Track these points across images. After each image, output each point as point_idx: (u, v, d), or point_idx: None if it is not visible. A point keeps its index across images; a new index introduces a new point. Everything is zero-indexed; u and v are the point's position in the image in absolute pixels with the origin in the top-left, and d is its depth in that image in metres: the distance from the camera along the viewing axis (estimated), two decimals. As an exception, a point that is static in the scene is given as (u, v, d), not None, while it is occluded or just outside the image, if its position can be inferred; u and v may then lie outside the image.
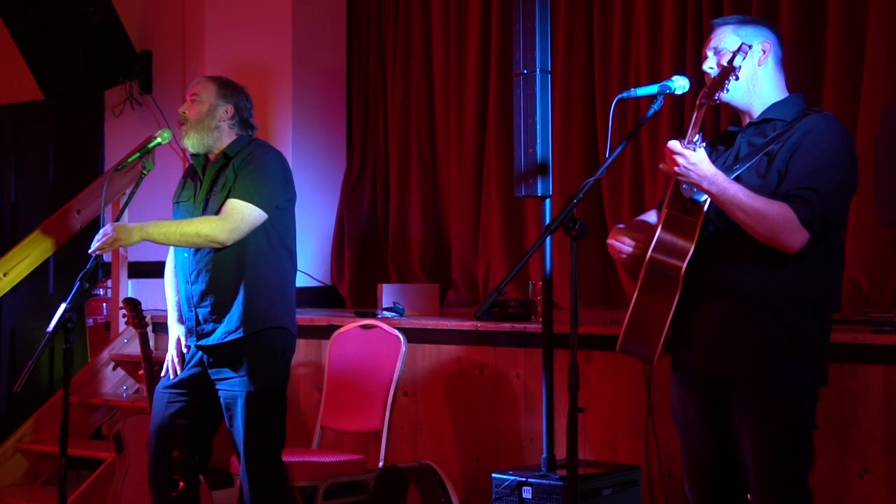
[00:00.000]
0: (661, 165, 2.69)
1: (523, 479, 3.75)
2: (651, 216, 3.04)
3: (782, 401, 2.72)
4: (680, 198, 2.74)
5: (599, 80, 5.11)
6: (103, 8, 5.76)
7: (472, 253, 5.56)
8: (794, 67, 4.36)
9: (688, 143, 2.64)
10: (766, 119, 2.81)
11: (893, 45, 4.24)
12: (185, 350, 3.72)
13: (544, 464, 3.83)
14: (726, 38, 2.82)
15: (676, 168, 2.63)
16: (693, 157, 2.62)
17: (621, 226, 3.02)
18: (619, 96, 3.07)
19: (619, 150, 2.98)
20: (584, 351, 4.17)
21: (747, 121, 2.85)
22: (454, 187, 5.63)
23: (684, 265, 2.70)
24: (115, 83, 6.06)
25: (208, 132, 3.67)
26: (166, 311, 3.91)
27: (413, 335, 4.58)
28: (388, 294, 5.04)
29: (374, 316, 4.83)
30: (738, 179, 2.72)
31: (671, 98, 3.04)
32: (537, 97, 3.94)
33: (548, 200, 3.98)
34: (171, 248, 3.82)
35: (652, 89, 3.00)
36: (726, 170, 2.74)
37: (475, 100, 5.54)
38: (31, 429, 5.36)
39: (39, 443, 5.32)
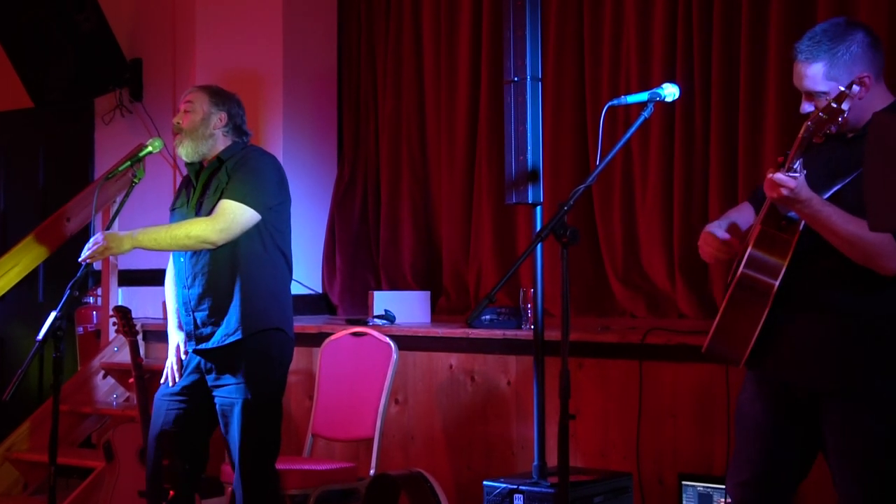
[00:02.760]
0: (766, 190, 2.60)
1: (515, 487, 3.75)
2: (744, 214, 2.93)
3: (876, 416, 2.66)
4: (775, 214, 2.67)
5: (590, 88, 5.12)
6: (94, 16, 5.75)
7: (464, 260, 5.56)
8: (783, 75, 4.39)
9: (788, 171, 2.56)
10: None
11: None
12: (184, 357, 3.71)
13: (536, 471, 3.83)
14: (819, 84, 2.68)
15: (778, 196, 2.56)
16: (792, 184, 2.54)
17: (717, 227, 2.89)
18: (610, 104, 3.07)
19: (609, 157, 2.98)
20: (576, 358, 4.17)
21: (850, 134, 2.73)
22: (445, 194, 5.63)
23: (776, 283, 2.64)
24: (106, 91, 6.05)
25: (202, 140, 3.68)
26: (157, 319, 3.91)
27: (404, 342, 4.57)
28: (379, 301, 5.04)
29: (365, 323, 4.82)
30: (838, 196, 2.65)
31: (661, 105, 3.04)
32: (528, 104, 3.94)
33: (539, 207, 3.99)
34: (171, 255, 3.82)
35: (642, 97, 3.01)
36: (827, 182, 2.66)
37: (466, 107, 5.55)
38: (20, 437, 5.34)
39: (29, 451, 5.30)
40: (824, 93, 2.64)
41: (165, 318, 3.88)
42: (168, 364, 3.73)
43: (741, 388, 2.91)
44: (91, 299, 5.88)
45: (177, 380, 3.68)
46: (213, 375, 3.63)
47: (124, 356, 5.31)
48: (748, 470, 2.82)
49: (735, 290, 2.69)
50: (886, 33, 4.24)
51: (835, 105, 2.50)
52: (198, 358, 3.66)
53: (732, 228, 2.85)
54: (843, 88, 2.51)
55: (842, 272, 2.64)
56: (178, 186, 3.89)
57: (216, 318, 3.61)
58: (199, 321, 3.64)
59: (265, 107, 5.77)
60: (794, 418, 2.77)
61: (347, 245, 5.88)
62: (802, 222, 2.66)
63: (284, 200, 3.73)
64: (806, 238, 2.66)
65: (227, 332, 3.60)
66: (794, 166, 2.56)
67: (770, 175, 2.57)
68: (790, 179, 2.54)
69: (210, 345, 3.61)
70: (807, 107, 2.72)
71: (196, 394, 3.66)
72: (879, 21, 4.24)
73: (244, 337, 3.59)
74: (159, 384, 3.77)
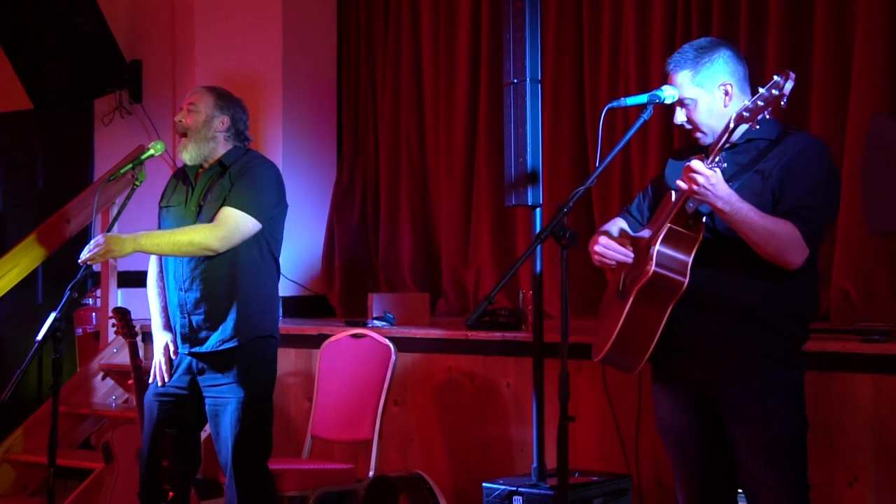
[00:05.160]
0: (678, 183, 2.69)
1: (514, 489, 3.75)
2: (618, 225, 3.05)
3: (782, 405, 2.79)
4: (683, 214, 2.75)
5: (589, 90, 5.13)
6: (93, 17, 5.76)
7: (463, 262, 5.57)
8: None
9: (710, 164, 2.66)
10: (749, 139, 2.84)
11: (880, 54, 4.26)
12: (173, 357, 3.72)
13: (535, 473, 3.83)
14: (685, 90, 2.87)
15: (695, 187, 2.65)
16: (714, 178, 2.64)
17: (610, 230, 3.01)
18: (609, 105, 3.08)
19: (608, 159, 2.99)
20: (575, 360, 4.16)
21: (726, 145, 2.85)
22: (444, 197, 5.64)
23: (686, 280, 2.73)
24: (105, 92, 6.05)
25: (205, 143, 3.70)
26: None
27: (403, 344, 4.57)
28: (378, 303, 5.04)
29: (364, 325, 4.82)
30: None
31: (660, 107, 3.04)
32: (527, 106, 3.95)
33: (538, 209, 3.99)
34: (154, 255, 3.82)
35: (641, 99, 3.01)
36: None
37: (465, 109, 5.55)
38: (19, 439, 5.34)
39: (28, 453, 5.30)
40: (692, 99, 2.85)
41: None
42: (156, 363, 3.73)
43: (654, 404, 3.01)
44: (90, 301, 5.88)
45: (166, 379, 3.69)
46: (205, 376, 3.64)
47: (123, 357, 5.32)
48: (693, 478, 2.93)
49: (642, 289, 2.75)
50: (884, 34, 4.24)
51: (775, 92, 2.59)
52: (189, 358, 3.67)
53: (623, 233, 2.98)
54: (776, 77, 2.60)
55: (741, 269, 2.77)
56: (168, 181, 3.89)
57: (212, 322, 3.62)
58: (194, 324, 3.64)
59: (265, 109, 5.77)
60: (710, 414, 2.86)
61: (346, 247, 5.89)
62: (705, 219, 2.75)
63: (283, 209, 3.78)
64: (707, 235, 2.76)
65: (223, 337, 3.61)
66: (716, 160, 2.67)
67: (688, 163, 2.65)
68: (708, 169, 2.64)
69: (205, 348, 3.63)
70: (679, 116, 2.90)
71: (187, 394, 3.67)
72: (877, 25, 4.25)
73: (240, 343, 3.60)
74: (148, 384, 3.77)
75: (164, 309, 3.79)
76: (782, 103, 2.60)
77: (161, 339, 3.76)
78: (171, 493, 3.46)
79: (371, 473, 4.22)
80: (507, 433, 4.40)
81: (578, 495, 3.68)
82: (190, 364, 3.67)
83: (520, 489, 3.74)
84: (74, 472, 5.29)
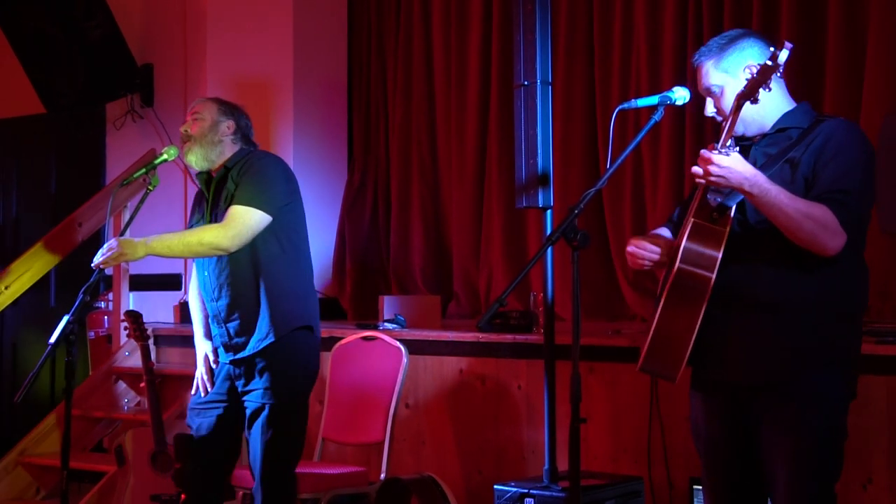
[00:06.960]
0: (693, 168, 2.61)
1: (525, 491, 3.74)
2: (663, 231, 2.97)
3: (815, 411, 2.65)
4: (706, 207, 2.67)
5: (600, 91, 5.13)
6: (105, 21, 5.78)
7: (474, 264, 5.56)
8: (794, 76, 4.38)
9: (721, 148, 2.57)
10: (780, 129, 2.74)
11: (893, 54, 4.25)
12: (213, 366, 3.72)
13: (546, 475, 3.82)
14: (711, 77, 2.77)
15: (711, 176, 2.56)
16: (726, 161, 2.55)
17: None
18: (620, 107, 3.07)
19: (620, 160, 2.97)
20: (586, 362, 4.16)
21: (758, 136, 2.78)
22: (455, 199, 5.64)
23: (713, 276, 2.62)
24: (117, 96, 6.07)
25: (211, 147, 3.70)
26: (168, 323, 3.91)
27: (414, 347, 4.57)
28: (389, 306, 5.04)
29: (375, 328, 4.83)
30: None
31: (672, 109, 3.03)
32: (538, 108, 3.94)
33: (549, 211, 3.99)
34: (195, 267, 3.82)
35: (652, 100, 3.00)
36: None
37: (476, 111, 5.55)
38: (32, 442, 5.36)
39: (41, 456, 5.31)
40: (718, 86, 2.75)
41: (175, 323, 3.88)
42: (198, 374, 3.74)
43: (690, 408, 2.89)
44: (102, 304, 5.90)
45: (208, 389, 3.70)
46: (242, 381, 3.64)
47: (136, 360, 5.33)
48: (723, 487, 2.82)
49: (671, 289, 2.65)
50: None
51: (769, 63, 2.52)
52: (228, 366, 3.68)
53: (656, 236, 2.89)
54: (772, 48, 2.54)
55: (773, 262, 2.64)
56: (192, 203, 3.90)
57: (248, 326, 3.60)
58: (231, 332, 3.64)
59: (276, 112, 5.78)
60: (744, 420, 2.74)
61: (357, 250, 5.89)
62: (733, 210, 2.65)
63: (294, 199, 3.72)
64: (736, 229, 2.66)
65: (259, 337, 3.60)
66: (727, 144, 2.59)
67: (702, 151, 2.57)
68: (722, 156, 2.55)
69: (246, 353, 3.61)
70: (709, 108, 2.80)
71: (227, 401, 3.68)
72: (890, 25, 4.23)
73: (276, 339, 3.59)
74: (190, 395, 3.78)
75: (206, 319, 3.79)
76: (778, 73, 2.53)
77: (201, 348, 3.77)
78: (183, 496, 3.46)
79: (383, 476, 4.23)
80: (519, 435, 4.40)
81: (590, 497, 3.67)
82: (228, 371, 3.68)
83: (531, 491, 3.73)
84: (88, 475, 5.31)
